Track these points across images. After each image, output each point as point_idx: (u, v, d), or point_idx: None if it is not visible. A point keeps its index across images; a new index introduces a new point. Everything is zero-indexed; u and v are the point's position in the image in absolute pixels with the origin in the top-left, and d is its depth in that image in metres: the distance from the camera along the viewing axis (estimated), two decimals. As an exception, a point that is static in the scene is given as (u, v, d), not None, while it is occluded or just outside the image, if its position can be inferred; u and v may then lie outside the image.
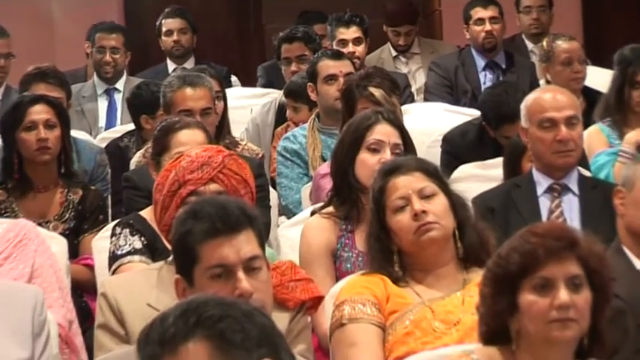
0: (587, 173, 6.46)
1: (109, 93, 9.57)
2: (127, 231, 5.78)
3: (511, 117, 7.35)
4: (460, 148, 7.59)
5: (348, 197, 5.71)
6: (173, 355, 2.82)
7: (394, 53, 10.75)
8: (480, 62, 9.96)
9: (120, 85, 9.67)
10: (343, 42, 9.28)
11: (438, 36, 11.82)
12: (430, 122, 7.84)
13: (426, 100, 9.67)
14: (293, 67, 8.98)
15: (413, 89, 9.94)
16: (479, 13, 10.04)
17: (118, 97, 9.58)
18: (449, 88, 9.71)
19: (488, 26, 9.97)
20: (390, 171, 4.97)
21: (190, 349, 2.81)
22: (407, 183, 4.86)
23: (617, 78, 7.66)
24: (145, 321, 3.20)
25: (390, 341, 4.70)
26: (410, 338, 4.65)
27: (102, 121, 9.33)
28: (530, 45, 10.41)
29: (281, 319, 4.34)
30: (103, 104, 9.53)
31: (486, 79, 9.70)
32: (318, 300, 4.89)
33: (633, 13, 11.58)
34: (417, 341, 4.62)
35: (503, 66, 9.99)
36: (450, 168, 7.15)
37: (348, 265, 5.56)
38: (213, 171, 4.81)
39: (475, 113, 8.33)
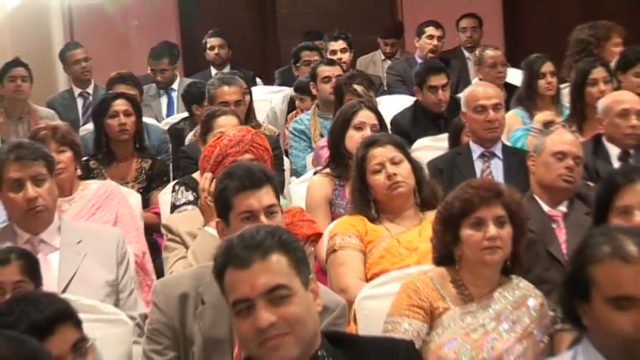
0: (508, 143, 6.44)
1: (168, 92, 9.53)
2: (182, 188, 5.77)
3: (435, 68, 7.67)
4: (401, 126, 7.53)
5: (340, 162, 5.74)
6: (264, 260, 2.83)
7: (382, 57, 10.69)
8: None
9: (175, 85, 9.58)
10: (333, 52, 9.19)
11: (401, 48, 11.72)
12: (396, 109, 7.79)
13: (389, 92, 9.59)
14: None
15: (384, 84, 9.88)
16: (430, 31, 9.91)
17: (174, 94, 9.50)
18: (402, 82, 9.62)
19: (435, 42, 9.85)
20: (369, 144, 5.03)
21: (276, 258, 2.83)
22: (382, 153, 4.92)
23: (526, 76, 7.64)
24: (194, 238, 3.22)
25: (369, 262, 4.77)
26: (383, 260, 4.73)
27: (164, 111, 9.29)
28: (467, 54, 10.31)
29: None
30: (164, 100, 9.49)
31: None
32: (319, 235, 5.01)
33: (542, 29, 11.51)
34: (388, 262, 4.70)
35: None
36: (413, 135, 7.16)
37: (341, 210, 5.53)
38: (246, 145, 4.88)
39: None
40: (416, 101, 7.77)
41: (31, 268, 4.08)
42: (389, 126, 7.28)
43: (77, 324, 2.95)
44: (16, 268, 4.03)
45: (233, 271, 2.82)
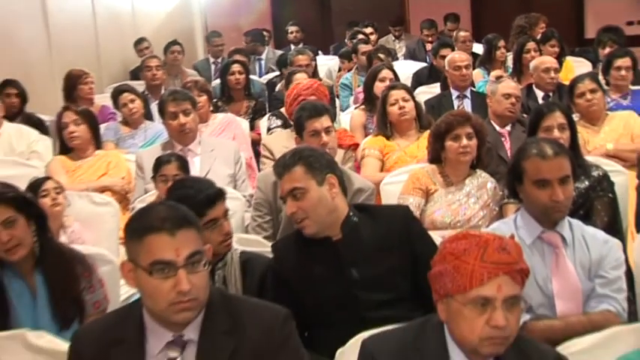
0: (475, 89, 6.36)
1: (259, 60, 9.48)
2: (274, 117, 5.74)
3: (445, 44, 7.47)
4: (420, 77, 7.49)
5: (370, 101, 5.64)
6: (288, 173, 2.83)
7: (393, 38, 10.38)
8: (425, 49, 9.66)
9: (263, 55, 9.55)
10: (364, 34, 9.03)
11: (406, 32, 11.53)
12: (405, 69, 7.68)
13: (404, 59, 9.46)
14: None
15: (399, 55, 9.70)
16: (426, 31, 9.74)
17: (262, 62, 9.50)
18: (412, 57, 9.41)
19: (430, 38, 9.60)
20: (391, 87, 5.02)
21: (296, 170, 2.80)
22: (397, 93, 4.88)
23: (487, 48, 7.53)
24: (282, 152, 3.27)
25: (387, 166, 4.77)
26: (396, 165, 4.69)
27: (257, 73, 9.20)
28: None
29: (340, 154, 4.39)
30: (256, 65, 9.42)
31: (427, 54, 9.46)
32: (357, 145, 4.95)
33: (496, 18, 11.26)
34: (399, 165, 4.65)
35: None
36: (416, 85, 7.06)
37: (370, 131, 5.40)
38: (313, 90, 4.87)
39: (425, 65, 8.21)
40: (432, 64, 7.67)
41: (184, 166, 4.10)
42: (410, 76, 7.46)
43: (225, 199, 3.01)
44: (175, 165, 4.05)
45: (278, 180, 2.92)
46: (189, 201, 2.71)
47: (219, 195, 2.96)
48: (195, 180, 3.09)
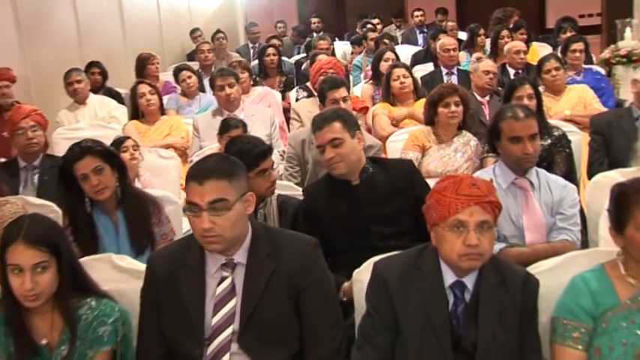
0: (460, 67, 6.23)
1: (299, 47, 9.29)
2: (301, 90, 5.68)
3: (442, 31, 7.41)
4: (417, 57, 7.31)
5: (377, 77, 5.54)
6: (328, 126, 2.77)
7: (395, 27, 10.16)
8: (420, 34, 9.44)
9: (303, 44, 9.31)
10: (372, 24, 8.86)
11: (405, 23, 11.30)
12: (404, 52, 7.50)
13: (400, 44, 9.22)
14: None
15: (399, 41, 9.48)
16: (416, 14, 9.50)
17: (301, 48, 9.20)
18: (407, 42, 9.17)
19: (419, 19, 9.39)
20: (394, 66, 4.91)
21: (335, 124, 2.75)
22: (399, 70, 4.81)
23: (470, 35, 7.31)
24: (307, 116, 3.22)
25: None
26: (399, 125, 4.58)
27: (295, 52, 9.08)
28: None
29: (354, 113, 4.28)
30: (295, 50, 9.26)
31: (419, 39, 9.28)
32: (367, 108, 4.89)
33: (477, 10, 10.97)
34: (401, 127, 4.55)
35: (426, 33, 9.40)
36: (413, 64, 6.83)
37: (377, 100, 5.34)
38: (332, 65, 4.83)
39: (420, 48, 8.02)
40: (428, 46, 7.47)
41: (245, 131, 3.97)
42: (409, 57, 7.21)
43: (272, 154, 2.98)
44: (241, 130, 3.83)
45: (314, 131, 2.85)
46: (247, 154, 2.71)
47: (270, 150, 2.92)
48: (250, 137, 3.04)
